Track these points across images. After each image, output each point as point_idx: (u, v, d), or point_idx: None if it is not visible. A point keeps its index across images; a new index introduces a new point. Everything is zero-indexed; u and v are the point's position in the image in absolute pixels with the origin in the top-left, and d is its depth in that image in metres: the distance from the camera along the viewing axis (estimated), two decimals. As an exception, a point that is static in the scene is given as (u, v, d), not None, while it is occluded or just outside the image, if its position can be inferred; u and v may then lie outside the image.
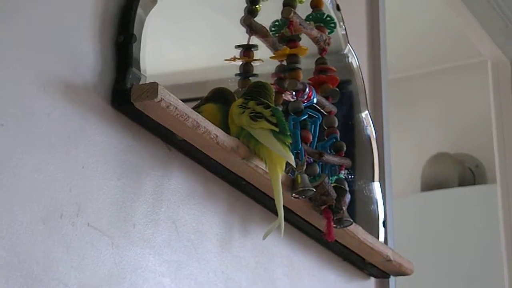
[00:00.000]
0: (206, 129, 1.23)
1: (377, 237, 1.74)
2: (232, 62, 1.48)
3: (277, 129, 1.31)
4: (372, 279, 1.80)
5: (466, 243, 3.56)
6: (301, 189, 1.37)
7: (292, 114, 1.42)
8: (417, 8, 3.52)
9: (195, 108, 1.29)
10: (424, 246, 3.58)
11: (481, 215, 3.53)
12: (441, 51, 3.82)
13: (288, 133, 1.32)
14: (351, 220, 1.48)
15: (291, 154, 1.31)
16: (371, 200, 1.77)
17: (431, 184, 3.75)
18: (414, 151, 3.82)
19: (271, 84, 1.45)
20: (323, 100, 1.51)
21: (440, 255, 3.57)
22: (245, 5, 1.49)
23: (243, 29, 1.48)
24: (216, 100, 1.39)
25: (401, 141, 3.54)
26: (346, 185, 1.49)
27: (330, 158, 1.48)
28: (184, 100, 1.21)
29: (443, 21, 3.43)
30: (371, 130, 1.80)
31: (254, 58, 1.49)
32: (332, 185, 1.46)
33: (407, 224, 3.40)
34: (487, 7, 2.91)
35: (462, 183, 3.72)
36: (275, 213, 1.32)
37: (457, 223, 3.60)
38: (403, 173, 3.62)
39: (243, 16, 1.48)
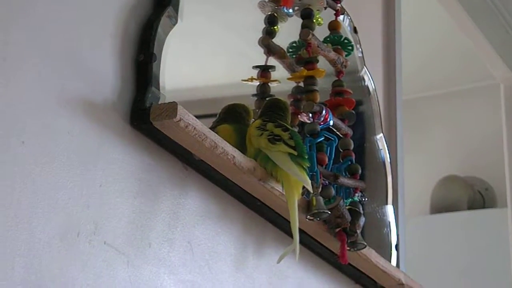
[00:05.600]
0: (223, 150, 1.23)
1: (389, 260, 1.73)
2: (250, 83, 1.49)
3: (295, 153, 1.30)
4: (384, 302, 1.79)
5: (475, 267, 3.54)
6: (316, 211, 1.37)
7: (308, 136, 1.42)
8: (429, 29, 3.52)
9: (211, 128, 1.29)
10: (432, 269, 3.56)
11: (490, 238, 3.51)
12: (453, 74, 3.82)
13: (306, 157, 1.32)
14: (365, 243, 1.48)
15: (308, 178, 1.30)
16: (383, 223, 1.77)
17: (440, 206, 3.74)
18: (424, 173, 3.81)
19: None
20: (339, 123, 1.51)
21: (448, 278, 3.56)
22: (263, 25, 1.49)
23: (260, 49, 1.49)
24: (231, 120, 1.39)
25: (410, 163, 3.52)
26: (361, 208, 1.49)
27: (345, 180, 1.48)
28: (200, 116, 1.21)
29: (455, 43, 3.43)
30: (385, 153, 1.80)
31: (271, 79, 1.49)
32: (347, 207, 1.45)
33: (415, 246, 3.39)
34: (501, 31, 2.91)
35: (471, 206, 3.71)
36: (290, 234, 1.31)
37: (466, 247, 3.59)
38: (413, 194, 3.60)
39: (261, 37, 1.49)
